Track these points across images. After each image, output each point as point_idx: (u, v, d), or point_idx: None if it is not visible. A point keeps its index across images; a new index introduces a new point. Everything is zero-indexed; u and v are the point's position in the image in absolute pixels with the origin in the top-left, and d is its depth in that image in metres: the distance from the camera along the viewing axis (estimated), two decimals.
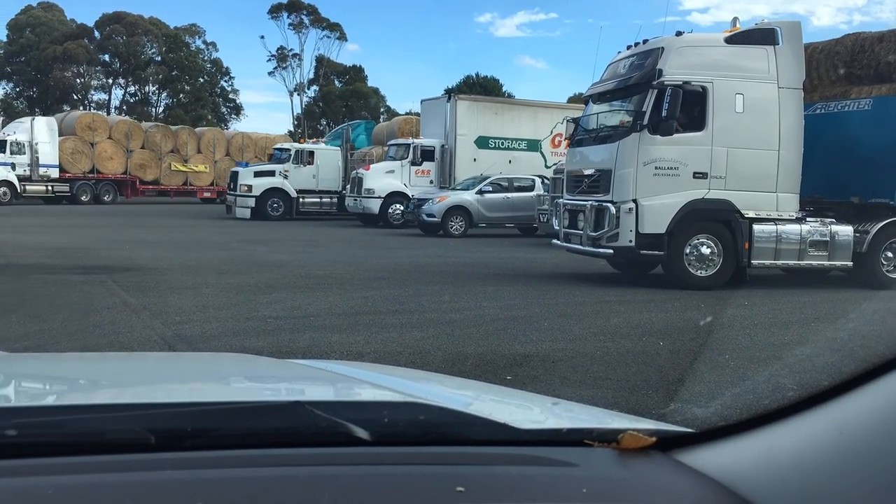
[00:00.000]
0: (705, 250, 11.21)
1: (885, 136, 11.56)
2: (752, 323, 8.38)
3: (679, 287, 10.93)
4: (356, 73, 71.99)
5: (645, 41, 11.67)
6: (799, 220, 11.50)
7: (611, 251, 11.46)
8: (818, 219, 11.71)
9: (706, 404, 5.12)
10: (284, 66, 69.90)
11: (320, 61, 70.50)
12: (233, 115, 72.24)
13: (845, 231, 11.53)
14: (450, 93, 26.03)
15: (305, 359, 2.79)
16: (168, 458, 1.07)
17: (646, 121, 10.96)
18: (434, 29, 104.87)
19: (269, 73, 75.36)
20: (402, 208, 25.20)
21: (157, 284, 10.43)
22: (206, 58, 70.60)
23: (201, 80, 69.07)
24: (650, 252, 11.14)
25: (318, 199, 29.10)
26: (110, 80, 67.59)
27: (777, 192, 11.34)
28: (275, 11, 67.91)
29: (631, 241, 11.07)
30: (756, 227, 11.21)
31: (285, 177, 28.37)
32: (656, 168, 11.02)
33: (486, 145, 25.63)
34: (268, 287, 10.39)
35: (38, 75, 63.32)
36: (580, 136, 12.60)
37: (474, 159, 25.32)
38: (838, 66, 12.68)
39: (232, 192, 28.87)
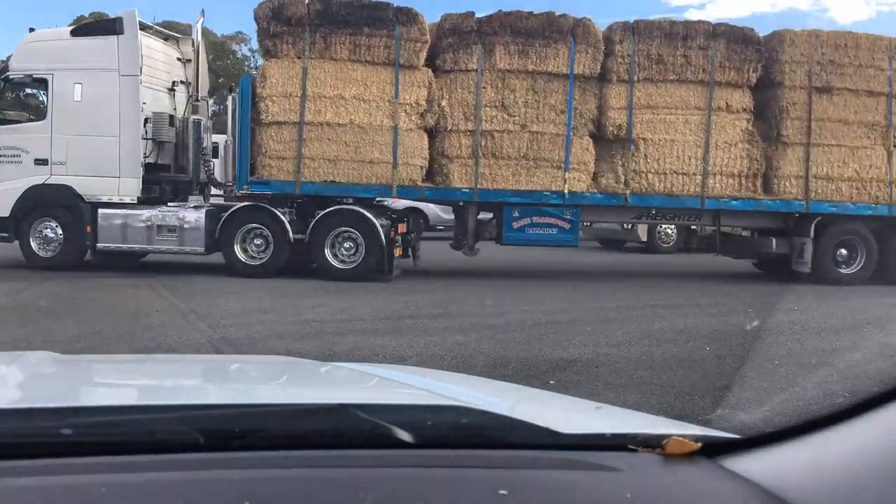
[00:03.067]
0: (49, 233, 11.93)
1: None
2: (802, 328, 8.20)
3: None
4: None
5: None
6: (149, 205, 11.99)
7: None
8: (178, 204, 12.54)
9: (754, 410, 5.02)
10: None
11: None
12: None
13: (195, 216, 11.92)
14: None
15: (349, 362, 2.81)
16: (216, 457, 1.09)
17: None
18: None
19: None
20: None
21: (204, 288, 10.60)
22: (251, 65, 71.56)
23: None
24: None
25: None
26: None
27: (120, 178, 11.82)
28: None
29: None
30: (101, 211, 11.79)
31: None
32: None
33: None
34: (311, 291, 10.48)
35: None
36: None
37: None
38: None
39: None
